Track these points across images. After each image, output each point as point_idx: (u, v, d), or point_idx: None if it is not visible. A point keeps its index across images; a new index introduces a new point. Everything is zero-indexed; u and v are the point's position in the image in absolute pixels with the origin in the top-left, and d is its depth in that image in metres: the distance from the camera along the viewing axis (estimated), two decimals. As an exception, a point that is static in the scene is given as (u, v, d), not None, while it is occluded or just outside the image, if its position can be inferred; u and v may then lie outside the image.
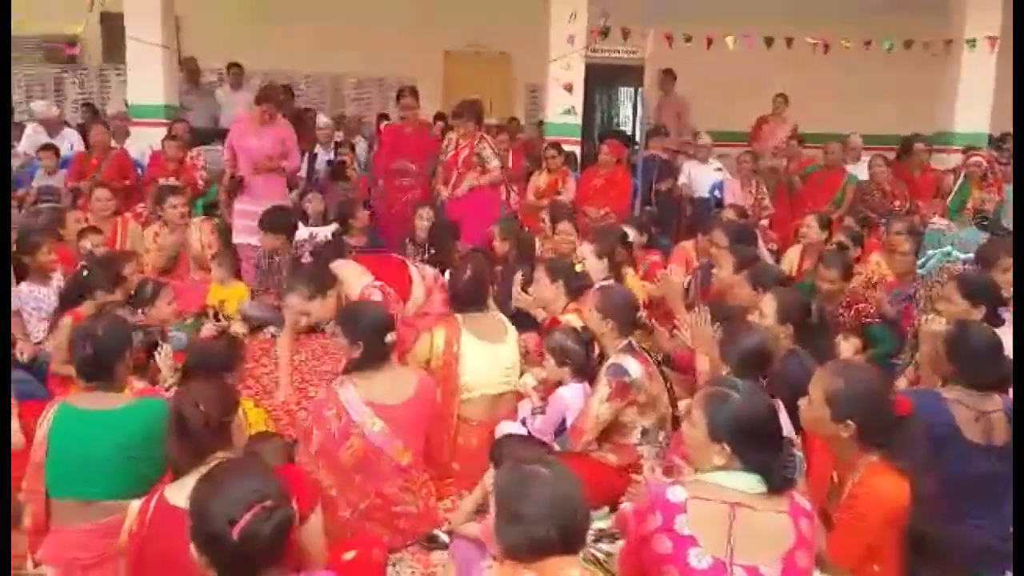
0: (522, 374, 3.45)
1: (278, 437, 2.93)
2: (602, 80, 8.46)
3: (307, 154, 7.33)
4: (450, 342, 3.32)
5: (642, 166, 7.42)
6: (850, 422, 2.12)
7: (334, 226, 5.81)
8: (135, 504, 2.04)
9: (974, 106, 7.49)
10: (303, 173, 7.12)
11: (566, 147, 7.15)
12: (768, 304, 3.12)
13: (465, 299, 3.51)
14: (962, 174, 6.29)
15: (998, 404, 2.55)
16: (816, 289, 4.16)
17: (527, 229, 5.38)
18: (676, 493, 1.79)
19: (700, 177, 7.48)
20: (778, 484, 1.80)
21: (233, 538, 1.50)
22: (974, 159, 6.25)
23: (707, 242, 4.79)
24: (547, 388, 3.28)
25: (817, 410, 2.19)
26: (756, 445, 1.82)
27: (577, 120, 7.57)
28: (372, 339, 2.81)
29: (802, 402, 2.27)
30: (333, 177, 6.93)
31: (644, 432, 3.08)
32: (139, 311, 3.59)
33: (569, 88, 7.42)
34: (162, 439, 2.11)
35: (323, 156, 7.38)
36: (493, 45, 9.91)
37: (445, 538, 2.75)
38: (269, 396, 4.02)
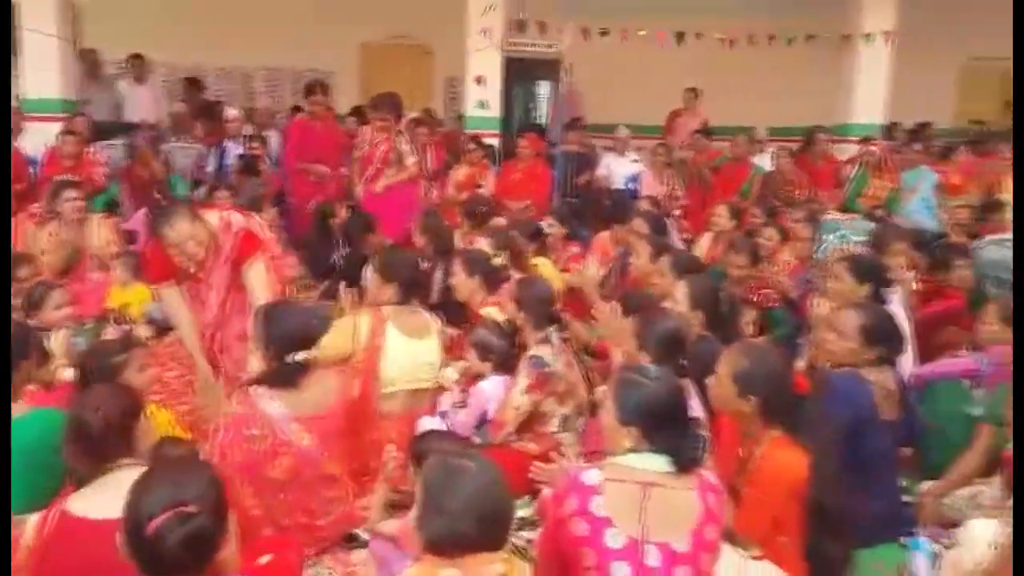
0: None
1: (186, 443, 2.82)
2: (520, 75, 8.51)
3: (216, 147, 7.07)
4: (374, 333, 3.25)
5: (561, 159, 7.47)
6: (753, 397, 2.22)
7: None
8: (32, 518, 1.94)
9: (870, 98, 7.84)
10: (211, 168, 6.86)
11: (486, 141, 7.15)
12: (680, 291, 3.22)
13: (411, 291, 3.41)
14: (859, 163, 6.63)
15: (893, 379, 2.72)
16: (726, 274, 4.31)
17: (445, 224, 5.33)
18: (591, 476, 1.84)
19: (618, 169, 7.62)
20: (685, 463, 1.87)
21: (147, 534, 1.48)
22: (870, 148, 6.60)
23: (625, 232, 4.88)
24: (468, 380, 3.28)
25: (724, 387, 2.29)
26: (663, 427, 1.88)
27: (493, 113, 7.55)
28: (287, 353, 2.66)
29: (710, 380, 2.36)
30: (245, 171, 6.68)
31: (564, 420, 3.12)
32: (32, 315, 3.39)
33: (482, 81, 7.40)
34: (59, 448, 2.01)
35: (233, 149, 7.09)
36: (412, 38, 9.81)
37: (365, 536, 2.71)
38: (178, 400, 3.86)
